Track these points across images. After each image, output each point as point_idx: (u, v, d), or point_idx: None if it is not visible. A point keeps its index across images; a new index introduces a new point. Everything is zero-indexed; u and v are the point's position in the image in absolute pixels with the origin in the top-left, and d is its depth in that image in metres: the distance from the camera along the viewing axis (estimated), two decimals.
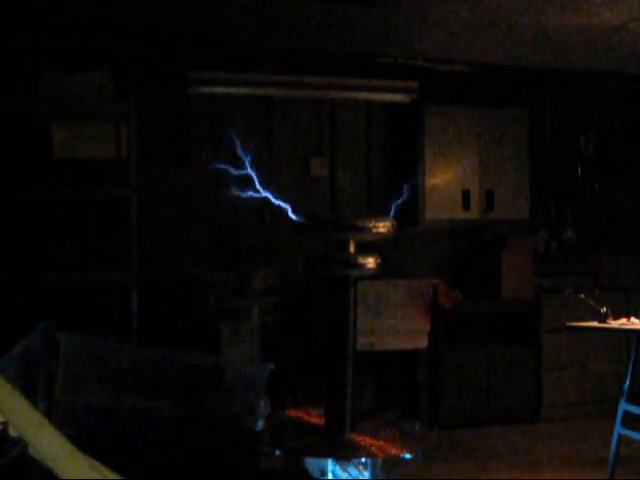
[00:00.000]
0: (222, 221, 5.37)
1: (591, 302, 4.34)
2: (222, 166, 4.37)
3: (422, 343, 5.13)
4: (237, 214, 5.38)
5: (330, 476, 3.48)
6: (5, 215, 4.62)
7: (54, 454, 1.72)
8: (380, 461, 3.48)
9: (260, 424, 2.86)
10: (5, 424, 1.75)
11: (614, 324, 4.17)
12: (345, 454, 3.52)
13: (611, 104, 6.11)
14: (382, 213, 3.78)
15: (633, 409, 4.07)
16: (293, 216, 3.59)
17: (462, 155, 5.60)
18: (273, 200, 3.70)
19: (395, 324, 5.04)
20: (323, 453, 3.48)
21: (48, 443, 1.74)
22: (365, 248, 3.69)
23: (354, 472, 3.49)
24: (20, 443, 1.72)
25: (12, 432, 1.78)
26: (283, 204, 3.64)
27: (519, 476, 4.33)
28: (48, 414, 2.47)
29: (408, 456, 3.44)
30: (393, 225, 3.61)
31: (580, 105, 6.07)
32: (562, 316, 5.13)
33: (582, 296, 4.66)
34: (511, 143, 5.70)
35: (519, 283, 5.48)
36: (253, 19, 4.64)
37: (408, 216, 5.06)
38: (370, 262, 3.58)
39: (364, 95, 5.56)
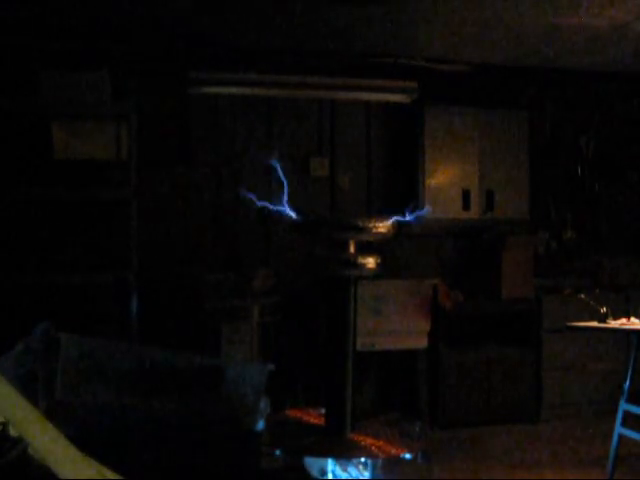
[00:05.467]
0: (222, 221, 5.37)
1: (591, 302, 4.34)
2: (221, 166, 4.38)
3: (422, 343, 5.13)
4: (237, 214, 5.39)
5: (330, 476, 3.47)
6: (5, 215, 4.62)
7: (54, 454, 1.72)
8: (380, 461, 3.48)
9: (260, 424, 2.86)
10: (5, 424, 1.75)
11: (614, 324, 4.17)
12: (345, 454, 3.51)
13: (611, 104, 6.11)
14: (382, 213, 3.78)
15: (633, 409, 4.06)
16: (293, 216, 3.59)
17: (462, 155, 5.60)
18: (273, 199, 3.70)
19: (395, 324, 5.03)
20: (323, 453, 3.48)
21: (48, 443, 1.73)
22: (365, 248, 3.69)
23: (354, 472, 3.49)
24: (20, 443, 1.72)
25: (12, 432, 1.77)
26: (283, 203, 3.64)
27: (519, 476, 4.33)
28: (48, 414, 2.47)
29: (408, 456, 3.43)
30: (393, 225, 3.61)
31: (580, 105, 6.07)
32: (562, 316, 5.14)
33: (582, 296, 4.66)
34: (511, 143, 5.70)
35: (519, 283, 5.48)
36: (253, 19, 4.64)
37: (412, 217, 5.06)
38: (370, 262, 3.58)
39: (364, 95, 5.56)
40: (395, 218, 3.65)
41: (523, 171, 5.73)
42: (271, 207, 3.72)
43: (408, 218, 3.63)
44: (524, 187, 5.73)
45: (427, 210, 5.44)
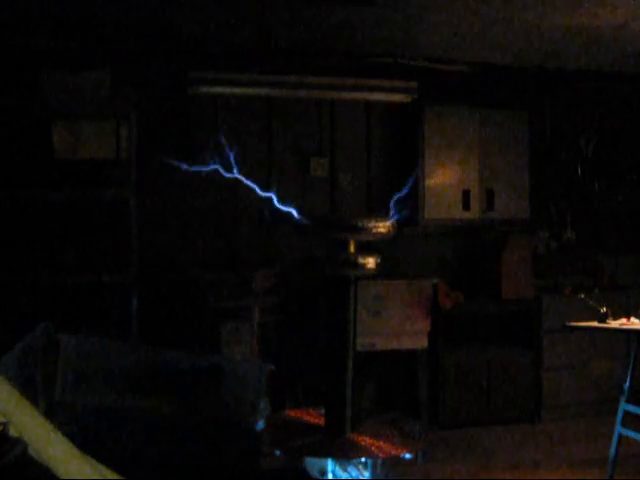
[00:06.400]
0: (222, 221, 5.37)
1: (591, 302, 4.34)
2: (221, 166, 4.37)
3: (422, 343, 5.13)
4: (237, 214, 5.39)
5: (330, 476, 3.47)
6: (5, 215, 4.62)
7: (54, 454, 1.72)
8: (380, 461, 3.48)
9: (260, 424, 2.86)
10: (5, 424, 1.75)
11: (614, 324, 4.17)
12: (345, 454, 3.51)
13: (611, 104, 6.11)
14: (382, 213, 3.78)
15: (633, 409, 4.07)
16: (293, 216, 3.59)
17: (462, 155, 5.60)
18: (273, 199, 3.71)
19: (395, 324, 5.04)
20: (323, 453, 3.48)
21: (48, 443, 1.73)
22: (365, 248, 3.69)
23: (354, 472, 3.49)
24: (20, 443, 1.72)
25: (12, 432, 1.78)
26: (283, 204, 3.64)
27: (519, 476, 4.33)
28: (48, 414, 2.47)
29: (408, 456, 3.43)
30: (393, 225, 3.61)
31: (580, 105, 6.07)
32: (562, 316, 5.14)
33: (582, 296, 4.66)
34: (511, 143, 5.70)
35: (519, 283, 5.48)
36: (253, 19, 4.64)
37: (408, 216, 5.06)
38: (370, 262, 3.58)
39: (364, 95, 5.56)
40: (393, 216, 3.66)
41: (523, 171, 5.73)
42: (271, 207, 3.72)
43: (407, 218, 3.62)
44: (524, 187, 5.73)
45: (427, 210, 5.45)
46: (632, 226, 6.14)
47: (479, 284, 5.62)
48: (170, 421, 2.66)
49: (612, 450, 4.08)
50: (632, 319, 4.22)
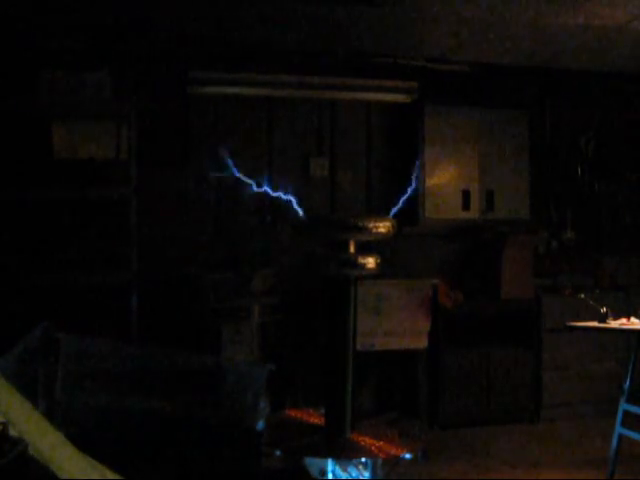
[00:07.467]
0: (222, 221, 5.37)
1: (591, 302, 4.34)
2: (221, 166, 4.38)
3: (422, 343, 5.13)
4: (237, 214, 5.38)
5: (330, 476, 3.48)
6: (5, 215, 4.62)
7: (54, 454, 1.72)
8: (380, 461, 3.48)
9: (260, 424, 2.86)
10: (5, 424, 1.75)
11: (614, 324, 4.17)
12: (345, 454, 3.52)
13: (611, 104, 6.11)
14: (382, 213, 3.78)
15: (633, 409, 4.06)
16: (293, 216, 3.59)
17: (462, 155, 5.60)
18: (273, 199, 3.71)
19: (395, 324, 5.04)
20: (323, 453, 3.48)
21: (48, 443, 1.73)
22: (365, 248, 3.69)
23: (354, 472, 3.49)
24: (20, 443, 1.72)
25: (12, 432, 1.78)
26: (283, 204, 3.64)
27: (519, 476, 4.33)
28: (48, 414, 2.47)
29: (408, 456, 3.44)
30: (393, 225, 3.61)
31: (580, 105, 6.07)
32: (562, 316, 5.14)
33: (582, 296, 4.66)
34: (511, 143, 5.70)
35: (519, 283, 5.47)
36: (253, 19, 4.64)
37: (408, 216, 5.06)
38: (370, 262, 3.58)
39: (364, 95, 5.56)
40: (395, 218, 3.65)
41: (523, 171, 5.73)
42: (271, 207, 3.73)
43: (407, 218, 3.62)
44: (524, 187, 5.73)
45: (427, 210, 5.45)
46: (632, 226, 6.14)
47: (479, 284, 5.61)
48: (170, 421, 2.66)
49: (612, 450, 4.08)
50: (632, 319, 4.22)
